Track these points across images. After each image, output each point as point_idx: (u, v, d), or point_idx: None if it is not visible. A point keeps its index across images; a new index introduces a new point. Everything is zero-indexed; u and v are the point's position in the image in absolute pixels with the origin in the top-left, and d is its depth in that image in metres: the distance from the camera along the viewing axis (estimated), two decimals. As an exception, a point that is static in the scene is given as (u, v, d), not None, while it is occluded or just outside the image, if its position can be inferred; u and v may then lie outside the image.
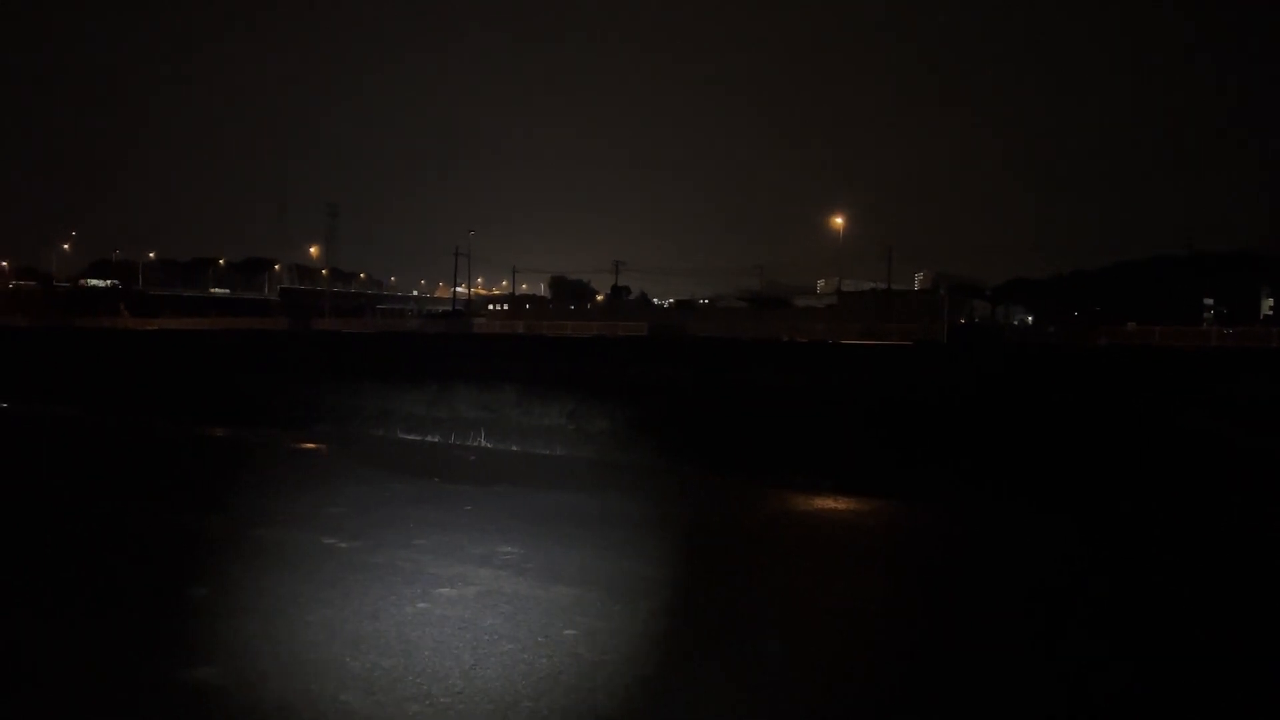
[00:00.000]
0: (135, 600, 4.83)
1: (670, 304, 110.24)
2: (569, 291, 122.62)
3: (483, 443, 11.76)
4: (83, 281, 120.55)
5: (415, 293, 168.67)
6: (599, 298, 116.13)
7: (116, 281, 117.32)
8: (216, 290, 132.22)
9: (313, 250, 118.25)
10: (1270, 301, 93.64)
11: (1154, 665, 4.19)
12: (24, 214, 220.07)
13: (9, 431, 13.38)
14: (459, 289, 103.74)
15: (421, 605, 4.81)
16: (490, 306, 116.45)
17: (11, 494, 8.07)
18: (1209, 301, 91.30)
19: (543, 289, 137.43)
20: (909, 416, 14.44)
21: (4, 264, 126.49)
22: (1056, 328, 78.10)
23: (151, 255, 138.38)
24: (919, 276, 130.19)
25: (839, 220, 75.88)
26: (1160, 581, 5.61)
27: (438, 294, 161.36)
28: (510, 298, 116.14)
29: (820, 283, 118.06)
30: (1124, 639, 4.53)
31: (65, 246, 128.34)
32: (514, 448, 11.40)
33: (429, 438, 12.23)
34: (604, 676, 3.92)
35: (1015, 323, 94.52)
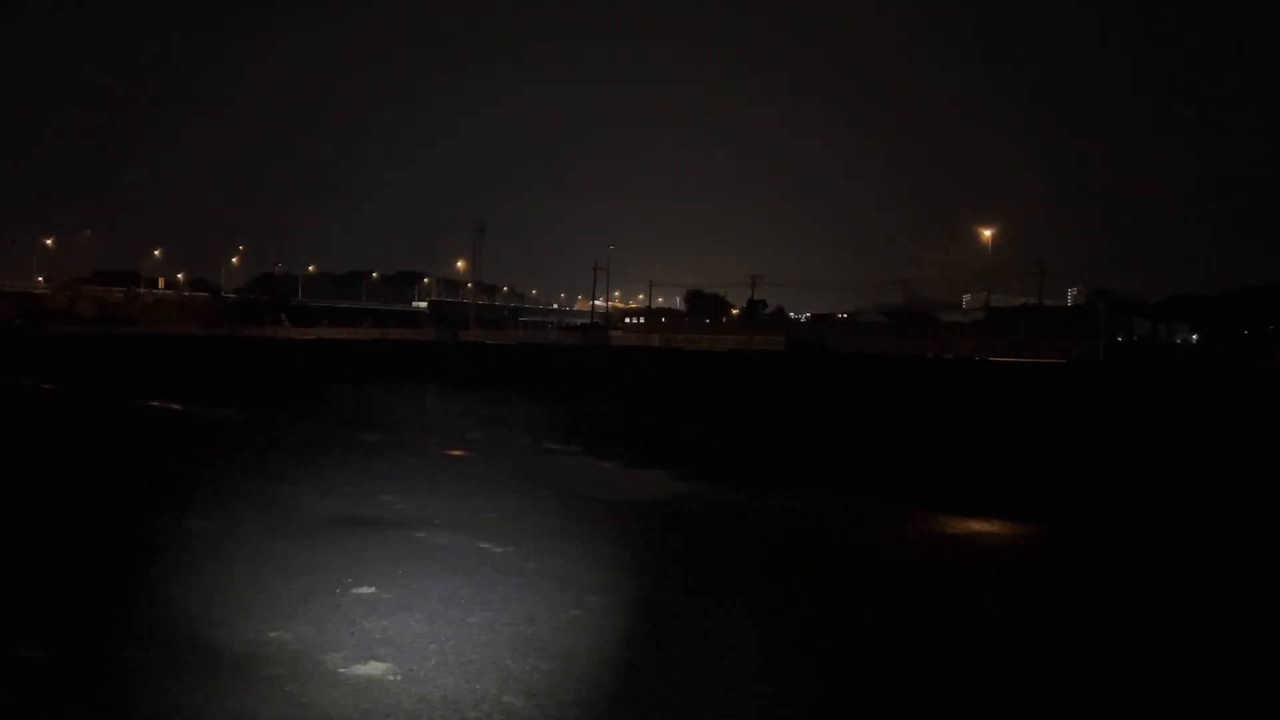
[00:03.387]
0: (304, 598, 5.10)
1: (807, 318, 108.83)
2: (704, 305, 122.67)
3: (621, 459, 11.87)
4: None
5: (555, 305, 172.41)
6: (734, 311, 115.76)
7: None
8: (371, 304, 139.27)
9: (459, 264, 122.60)
10: None
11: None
12: (197, 230, 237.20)
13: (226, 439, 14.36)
14: (597, 302, 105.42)
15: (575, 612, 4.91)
16: (626, 319, 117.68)
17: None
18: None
19: (678, 302, 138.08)
20: (1063, 440, 13.79)
21: (180, 276, 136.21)
22: (1224, 347, 73.05)
23: (311, 268, 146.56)
24: (1073, 292, 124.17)
25: (988, 233, 73.05)
26: None
27: (576, 306, 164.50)
28: (646, 311, 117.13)
29: (967, 298, 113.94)
30: None
31: (234, 260, 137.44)
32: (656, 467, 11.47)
33: (570, 449, 12.45)
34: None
35: (1179, 341, 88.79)
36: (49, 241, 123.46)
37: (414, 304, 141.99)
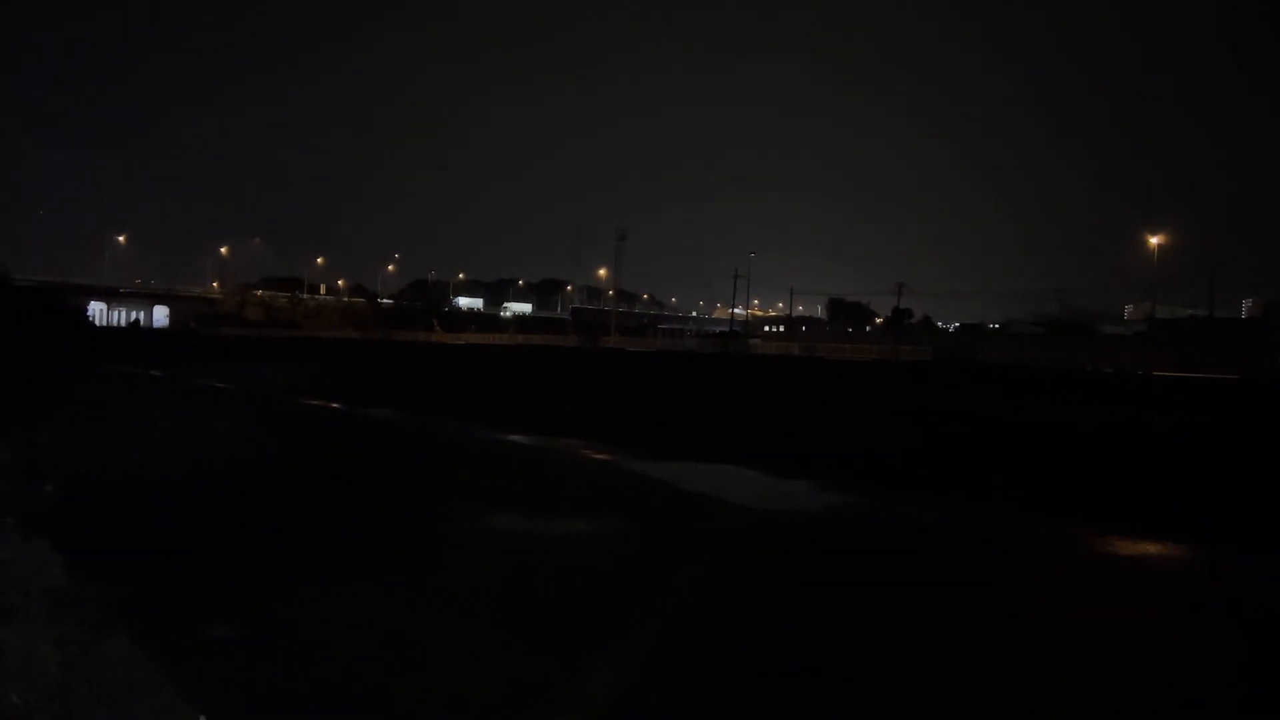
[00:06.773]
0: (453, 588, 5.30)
1: (955, 328, 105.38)
2: (846, 313, 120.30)
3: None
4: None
5: (694, 313, 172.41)
6: (878, 320, 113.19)
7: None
8: (514, 305, 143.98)
9: (601, 272, 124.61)
10: None
11: None
12: (358, 239, 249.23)
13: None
14: (736, 310, 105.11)
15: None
16: (766, 328, 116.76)
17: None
18: None
19: (819, 311, 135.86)
20: (1233, 460, 12.91)
21: (340, 282, 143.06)
22: None
23: (461, 276, 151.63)
24: (1247, 304, 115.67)
25: (1153, 240, 68.68)
26: None
27: (716, 314, 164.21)
28: (786, 319, 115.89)
29: (1128, 308, 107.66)
30: None
31: (390, 268, 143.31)
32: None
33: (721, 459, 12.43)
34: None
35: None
36: (223, 250, 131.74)
37: (558, 311, 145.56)
